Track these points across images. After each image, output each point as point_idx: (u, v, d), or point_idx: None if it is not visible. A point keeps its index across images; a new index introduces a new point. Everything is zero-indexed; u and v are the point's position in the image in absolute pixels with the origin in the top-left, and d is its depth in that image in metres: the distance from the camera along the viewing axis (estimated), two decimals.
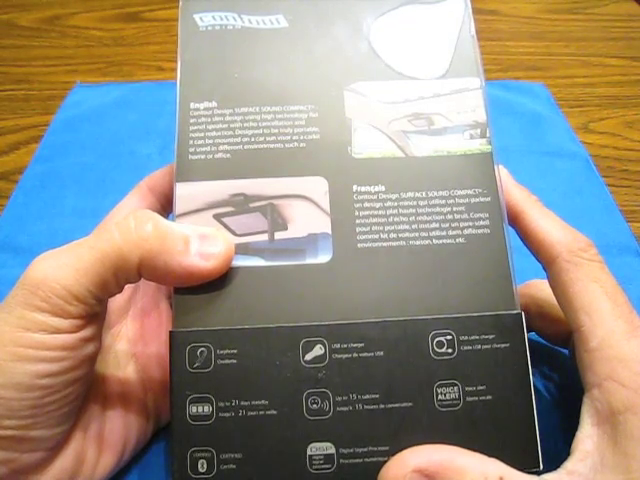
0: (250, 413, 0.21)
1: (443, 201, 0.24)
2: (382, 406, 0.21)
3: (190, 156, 0.24)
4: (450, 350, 0.22)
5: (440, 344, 0.22)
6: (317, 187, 0.24)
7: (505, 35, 0.58)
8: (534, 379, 0.22)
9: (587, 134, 0.46)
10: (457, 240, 0.23)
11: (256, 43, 0.26)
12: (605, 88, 0.52)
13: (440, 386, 0.21)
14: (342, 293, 0.22)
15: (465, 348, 0.22)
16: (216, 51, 0.26)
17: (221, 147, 0.24)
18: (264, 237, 0.23)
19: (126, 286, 0.22)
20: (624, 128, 0.47)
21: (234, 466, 0.21)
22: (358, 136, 0.25)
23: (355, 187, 0.24)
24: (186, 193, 0.24)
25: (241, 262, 0.23)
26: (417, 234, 0.23)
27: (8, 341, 0.19)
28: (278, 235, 0.23)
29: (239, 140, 0.24)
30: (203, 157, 0.24)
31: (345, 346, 0.22)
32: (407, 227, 0.23)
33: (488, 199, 0.24)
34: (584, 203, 0.39)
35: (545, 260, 0.23)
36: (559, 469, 0.20)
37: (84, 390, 0.22)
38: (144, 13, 0.62)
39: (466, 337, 0.22)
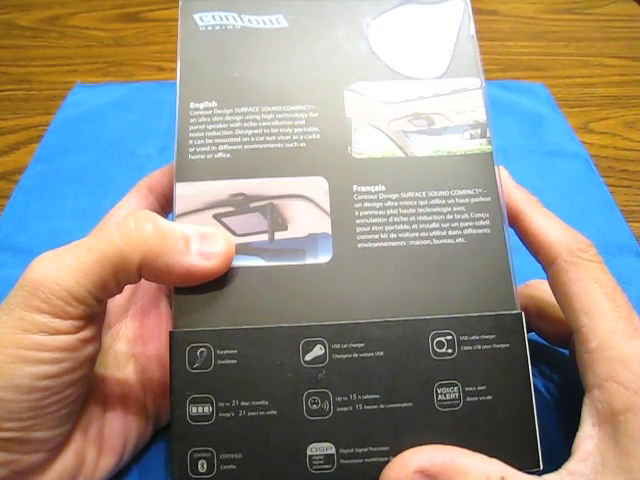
0: (250, 413, 0.21)
1: (443, 201, 0.24)
2: (382, 406, 0.21)
3: (190, 156, 0.24)
4: (450, 350, 0.22)
5: (440, 344, 0.22)
6: (317, 187, 0.24)
7: (505, 35, 0.58)
8: (534, 379, 0.22)
9: (587, 134, 0.46)
10: (457, 240, 0.23)
11: (256, 43, 0.26)
12: (605, 88, 0.52)
13: (440, 386, 0.21)
14: (342, 293, 0.22)
15: (465, 348, 0.22)
16: (216, 51, 0.26)
17: (221, 147, 0.24)
18: (264, 237, 0.23)
19: (126, 286, 0.22)
20: (624, 128, 0.47)
21: (234, 466, 0.21)
22: (358, 136, 0.24)
23: (355, 187, 0.24)
24: (186, 193, 0.23)
25: (241, 262, 0.23)
26: (417, 234, 0.23)
27: (8, 343, 0.19)
28: (278, 235, 0.23)
29: (239, 140, 0.24)
30: (203, 157, 0.24)
31: (345, 346, 0.22)
32: (407, 227, 0.23)
33: (488, 199, 0.24)
34: (584, 203, 0.39)
35: (545, 261, 0.23)
36: (560, 469, 0.20)
37: (84, 391, 0.22)
38: (144, 13, 0.62)
39: (466, 337, 0.22)
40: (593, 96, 0.51)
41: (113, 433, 0.23)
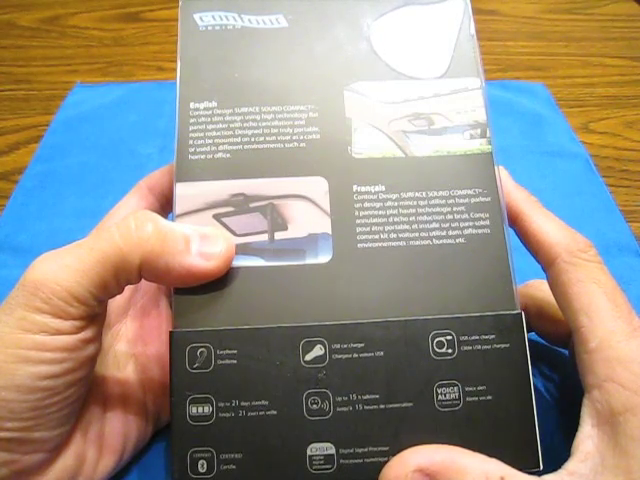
0: (250, 413, 0.21)
1: (443, 201, 0.24)
2: (382, 406, 0.21)
3: (190, 156, 0.24)
4: (450, 350, 0.22)
5: (440, 344, 0.22)
6: (317, 187, 0.24)
7: (505, 35, 0.58)
8: (534, 379, 0.22)
9: (587, 134, 0.46)
10: (457, 240, 0.23)
11: (256, 43, 0.26)
12: (605, 88, 0.52)
13: (440, 386, 0.21)
14: (342, 293, 0.22)
15: (465, 348, 0.22)
16: (216, 51, 0.26)
17: (221, 147, 0.24)
18: (264, 237, 0.23)
19: (126, 286, 0.22)
20: (624, 128, 0.47)
21: (234, 466, 0.21)
22: (358, 136, 0.24)
23: (355, 187, 0.24)
24: (186, 193, 0.24)
25: (241, 262, 0.23)
26: (417, 234, 0.23)
27: (9, 343, 0.19)
28: (278, 235, 0.23)
29: (239, 140, 0.24)
30: (203, 157, 0.24)
31: (345, 346, 0.22)
32: (407, 227, 0.23)
33: (488, 199, 0.24)
34: (584, 203, 0.39)
35: (544, 261, 0.23)
36: (560, 470, 0.20)
37: (85, 391, 0.22)
38: (144, 13, 0.62)
39: (466, 337, 0.22)
40: (593, 96, 0.51)
41: (113, 433, 0.24)
